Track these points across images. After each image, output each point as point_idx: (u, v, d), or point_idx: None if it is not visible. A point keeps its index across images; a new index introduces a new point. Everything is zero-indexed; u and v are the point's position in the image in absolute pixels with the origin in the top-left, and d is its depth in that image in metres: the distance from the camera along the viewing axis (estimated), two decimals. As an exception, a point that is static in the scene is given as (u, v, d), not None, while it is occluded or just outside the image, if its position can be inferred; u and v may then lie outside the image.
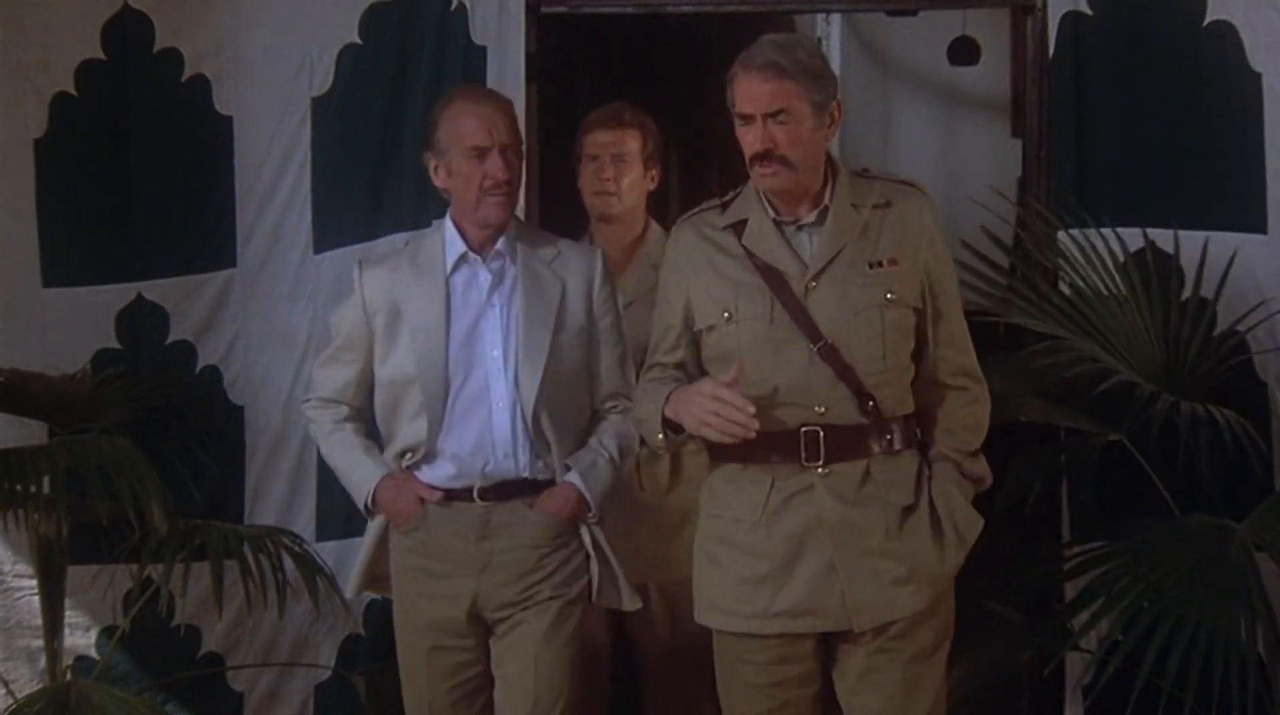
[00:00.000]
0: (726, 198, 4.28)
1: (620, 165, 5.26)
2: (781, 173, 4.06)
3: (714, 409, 3.98)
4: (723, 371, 4.08)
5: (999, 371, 4.64)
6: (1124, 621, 4.58)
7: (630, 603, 4.67)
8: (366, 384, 4.68)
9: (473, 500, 4.52)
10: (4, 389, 5.47)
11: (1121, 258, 5.18)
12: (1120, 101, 5.39)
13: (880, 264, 4.11)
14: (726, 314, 4.16)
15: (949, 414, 4.22)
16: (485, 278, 4.53)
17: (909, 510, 4.12)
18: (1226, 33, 5.33)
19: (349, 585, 4.80)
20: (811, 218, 4.15)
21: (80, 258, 5.83)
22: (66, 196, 5.82)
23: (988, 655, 5.09)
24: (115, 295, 5.84)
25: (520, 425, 4.50)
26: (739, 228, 4.18)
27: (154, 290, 5.83)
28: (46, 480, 4.88)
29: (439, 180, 4.54)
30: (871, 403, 4.08)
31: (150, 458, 5.00)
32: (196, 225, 5.80)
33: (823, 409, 4.07)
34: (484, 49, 5.59)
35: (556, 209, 5.84)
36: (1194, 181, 5.35)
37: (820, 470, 4.09)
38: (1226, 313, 5.17)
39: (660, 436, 4.19)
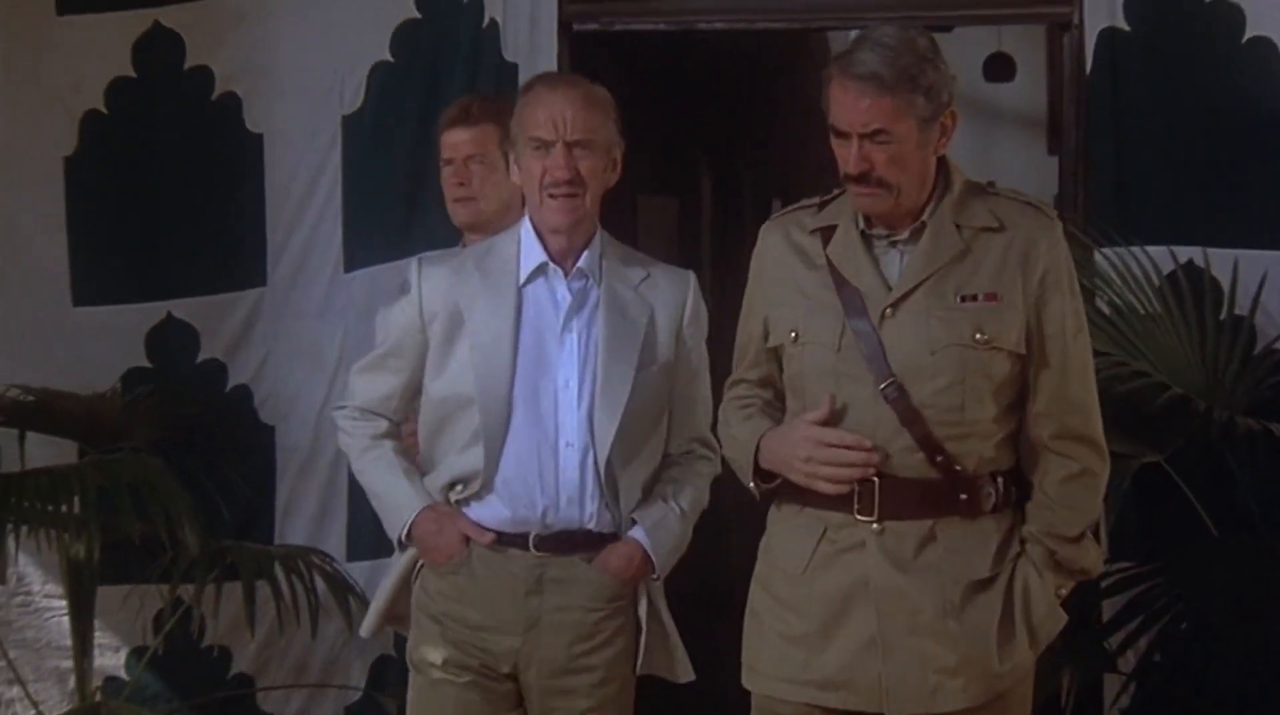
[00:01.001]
0: (827, 196, 3.76)
1: (477, 166, 4.70)
2: (880, 195, 3.52)
3: (824, 457, 3.52)
4: (795, 400, 3.68)
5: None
6: (1162, 642, 4.54)
7: (683, 674, 4.18)
8: (412, 397, 4.18)
9: (527, 548, 4.00)
10: (34, 408, 5.47)
11: (1158, 276, 5.13)
12: (1158, 118, 5.35)
13: (974, 298, 3.53)
14: (794, 334, 3.66)
15: (1047, 486, 3.58)
16: (564, 297, 4.01)
17: (979, 587, 3.54)
18: (1266, 49, 5.29)
19: (366, 623, 4.33)
20: (905, 234, 3.59)
21: (110, 276, 5.85)
22: (96, 215, 5.83)
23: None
24: (145, 314, 5.84)
25: (591, 471, 3.98)
26: (828, 234, 3.67)
27: (184, 309, 5.83)
28: (77, 500, 4.87)
29: (515, 177, 4.07)
30: (942, 457, 3.52)
31: (180, 477, 5.02)
32: (227, 243, 5.80)
33: (881, 456, 3.53)
34: (516, 66, 5.57)
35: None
36: (1233, 199, 5.30)
37: (874, 526, 3.54)
38: (1265, 330, 5.12)
39: (753, 486, 3.71)
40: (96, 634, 5.43)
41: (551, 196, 3.95)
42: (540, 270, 4.02)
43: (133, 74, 5.83)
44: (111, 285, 5.85)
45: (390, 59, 5.70)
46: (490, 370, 3.97)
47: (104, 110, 5.83)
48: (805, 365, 3.63)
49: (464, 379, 3.99)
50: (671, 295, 4.10)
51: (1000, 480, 3.57)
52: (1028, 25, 7.51)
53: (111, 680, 5.72)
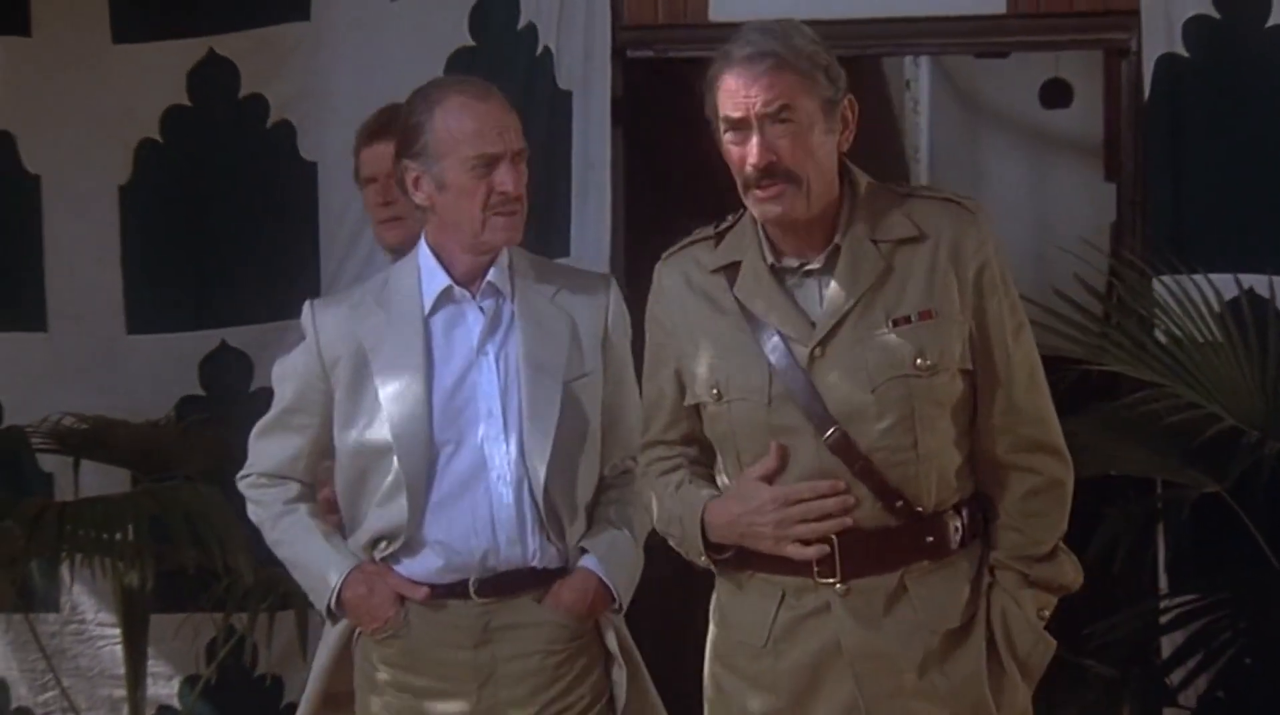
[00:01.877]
0: (722, 225, 3.40)
1: (379, 188, 4.35)
2: (788, 193, 3.15)
3: (797, 516, 3.18)
4: (727, 458, 3.32)
5: (1093, 423, 4.54)
6: (1224, 676, 4.48)
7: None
8: (321, 455, 3.81)
9: (468, 596, 3.66)
10: (88, 436, 5.48)
11: (1218, 305, 5.08)
12: (1217, 145, 5.30)
13: (907, 319, 3.17)
14: (715, 391, 3.27)
15: (1011, 504, 3.25)
16: (476, 320, 3.68)
17: (960, 632, 3.23)
18: (1326, 75, 5.23)
19: (300, 711, 3.95)
20: (819, 261, 3.22)
21: (164, 304, 5.85)
22: (151, 243, 5.84)
23: (1083, 713, 4.98)
24: (199, 342, 5.85)
25: (528, 502, 3.63)
26: (731, 273, 3.30)
27: (238, 337, 5.83)
28: (131, 528, 4.86)
29: (420, 196, 3.66)
30: (901, 502, 3.18)
31: (234, 505, 4.98)
32: (280, 271, 5.79)
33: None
34: (570, 94, 5.55)
35: (644, 259, 5.77)
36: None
37: (837, 587, 3.20)
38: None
39: (704, 559, 3.33)
40: (150, 662, 5.44)
41: (500, 214, 3.61)
42: (445, 296, 3.69)
43: (187, 102, 5.84)
44: (165, 313, 5.86)
45: (445, 87, 5.69)
46: (405, 413, 3.63)
47: (159, 139, 5.84)
48: (735, 424, 3.27)
49: (378, 426, 3.65)
50: (590, 301, 3.77)
51: (964, 511, 3.26)
52: (1085, 51, 7.46)
53: (165, 709, 5.73)
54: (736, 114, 3.16)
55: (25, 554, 5.15)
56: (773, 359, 3.20)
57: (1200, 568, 5.11)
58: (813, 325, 3.20)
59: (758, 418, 3.22)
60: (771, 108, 3.13)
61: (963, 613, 3.23)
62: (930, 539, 3.21)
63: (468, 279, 3.68)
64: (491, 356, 3.66)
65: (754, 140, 3.15)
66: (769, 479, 3.22)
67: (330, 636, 3.83)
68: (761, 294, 3.24)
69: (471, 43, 5.66)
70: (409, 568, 3.69)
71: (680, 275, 3.39)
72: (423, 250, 3.71)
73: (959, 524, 3.25)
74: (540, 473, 3.61)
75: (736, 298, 3.26)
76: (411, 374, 3.63)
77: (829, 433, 3.16)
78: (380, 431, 3.63)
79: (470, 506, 3.63)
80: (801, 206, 3.17)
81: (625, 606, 3.76)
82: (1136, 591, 5.21)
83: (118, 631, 5.43)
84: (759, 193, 3.18)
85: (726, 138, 3.22)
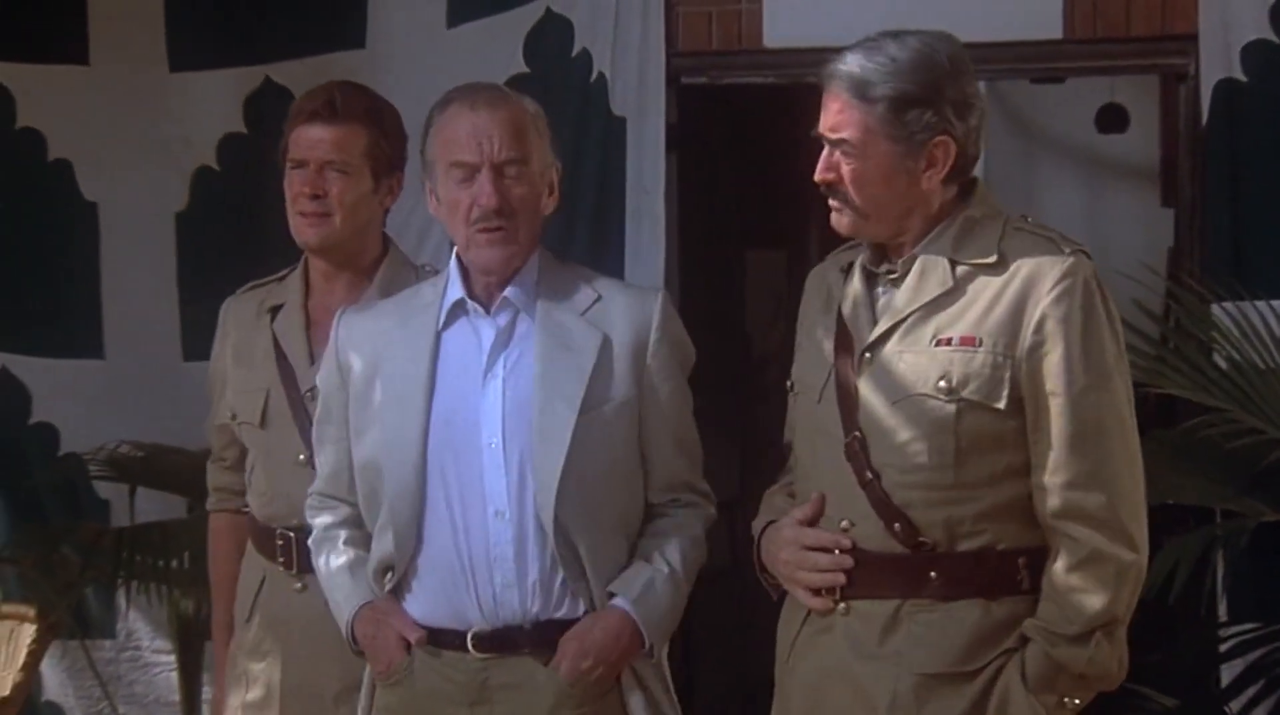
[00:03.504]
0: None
1: (336, 175, 3.83)
2: (846, 214, 3.11)
3: (799, 561, 3.13)
4: (797, 455, 3.28)
5: (1150, 448, 4.48)
6: (1284, 706, 4.45)
7: None
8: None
9: (465, 649, 3.30)
10: (144, 463, 5.50)
11: (1279, 330, 5.04)
12: (1277, 170, 5.25)
13: (949, 342, 3.04)
14: (792, 383, 3.26)
15: (1053, 573, 3.01)
16: (488, 337, 3.36)
17: (945, 683, 3.03)
18: (1388, 97, 5.19)
19: None
20: (898, 270, 3.14)
21: (220, 331, 5.85)
22: (207, 270, 5.85)
23: (1141, 742, 4.94)
24: (254, 368, 5.85)
25: (534, 542, 3.26)
26: (850, 272, 3.24)
27: (292, 365, 5.83)
28: (186, 555, 4.87)
29: (432, 206, 3.44)
30: (900, 525, 3.04)
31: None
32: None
33: (846, 524, 3.10)
34: (624, 120, 5.56)
35: (697, 284, 5.78)
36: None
37: (841, 606, 3.11)
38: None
39: (767, 584, 3.29)
40: (204, 689, 5.43)
41: (481, 232, 3.31)
42: (459, 309, 3.39)
43: (244, 130, 5.87)
44: (221, 340, 5.87)
45: (499, 114, 5.70)
46: (397, 432, 3.33)
47: (215, 166, 5.87)
48: (797, 418, 3.25)
49: (376, 445, 3.37)
50: (631, 318, 3.38)
51: (996, 560, 3.04)
52: (1141, 76, 7.43)
53: (219, 735, 5.73)
54: (819, 129, 3.14)
55: (82, 580, 5.17)
56: (836, 358, 3.14)
57: (1260, 596, 5.06)
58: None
59: (810, 412, 3.18)
60: (835, 136, 3.09)
61: (957, 661, 3.02)
62: (935, 575, 3.03)
63: (487, 293, 3.38)
64: (499, 379, 3.32)
65: (823, 155, 3.12)
66: (809, 523, 3.14)
67: (365, 673, 3.50)
68: (851, 294, 3.18)
69: (526, 69, 5.67)
70: (409, 605, 3.37)
71: (821, 275, 3.33)
72: (453, 260, 3.44)
73: (975, 570, 3.04)
74: (548, 509, 3.24)
75: (841, 296, 3.21)
76: (411, 390, 3.33)
77: (850, 439, 3.08)
78: (377, 452, 3.36)
79: (466, 546, 3.29)
80: (859, 228, 3.13)
81: (659, 653, 3.39)
82: (1195, 620, 5.16)
83: (173, 658, 5.44)
84: (830, 202, 3.14)
85: None
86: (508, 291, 3.35)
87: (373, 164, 3.85)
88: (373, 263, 3.90)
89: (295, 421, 3.78)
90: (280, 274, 4.05)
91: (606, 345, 3.34)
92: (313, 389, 3.69)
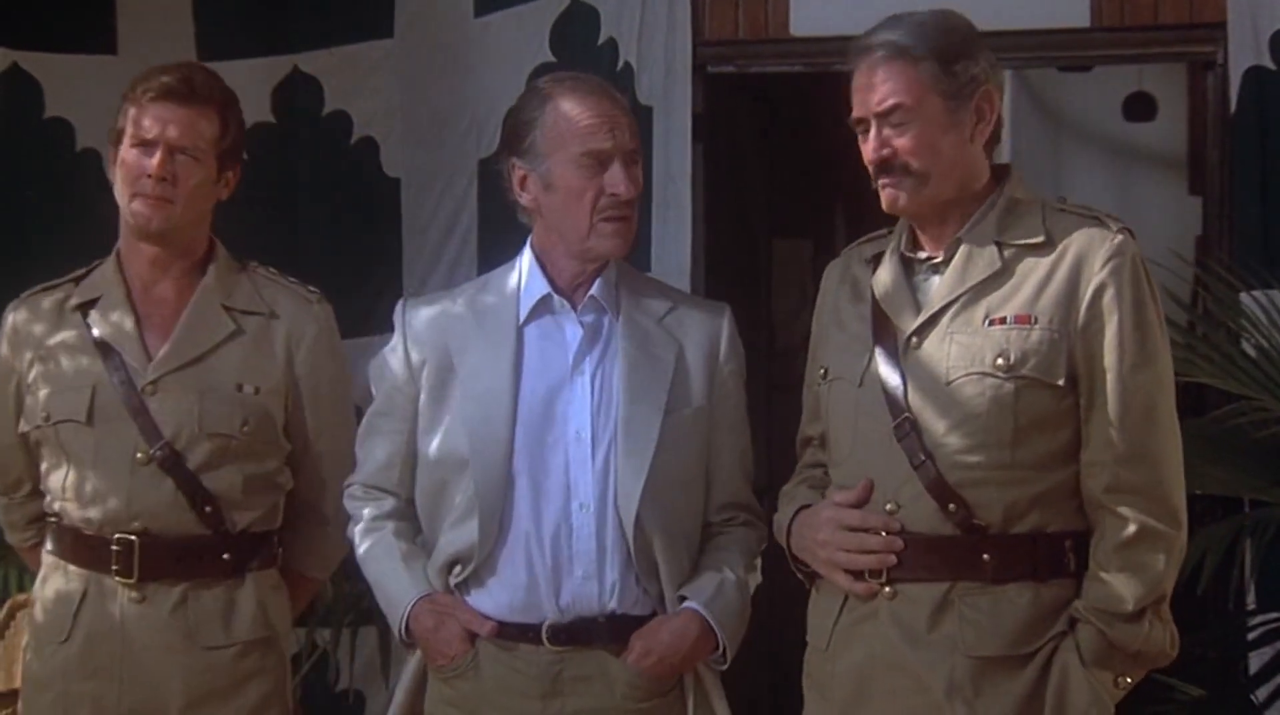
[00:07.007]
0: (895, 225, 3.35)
1: (185, 159, 3.65)
2: (904, 185, 3.09)
3: (840, 542, 3.10)
4: (828, 453, 3.27)
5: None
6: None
7: None
8: (414, 463, 3.49)
9: (540, 642, 3.33)
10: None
11: (1308, 319, 5.03)
12: (1307, 159, 5.25)
13: (1002, 321, 3.05)
14: (823, 371, 3.25)
15: (1101, 551, 3.02)
16: (574, 333, 3.39)
17: (1002, 667, 3.03)
18: None
19: None
20: (941, 255, 3.16)
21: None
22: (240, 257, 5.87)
23: (1169, 731, 4.94)
24: (284, 357, 5.86)
25: (613, 536, 3.30)
26: (878, 262, 3.26)
27: (320, 353, 5.85)
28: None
29: (525, 196, 3.43)
30: (955, 506, 3.03)
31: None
32: (363, 287, 5.81)
33: (893, 506, 3.08)
34: (650, 109, 5.56)
35: (724, 273, 5.78)
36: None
37: (885, 590, 3.09)
38: None
39: (798, 573, 3.30)
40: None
41: (610, 220, 3.35)
42: (544, 305, 3.42)
43: (272, 119, 5.89)
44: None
45: (526, 102, 5.72)
46: (486, 426, 3.34)
47: (243, 155, 5.88)
48: (831, 405, 3.22)
49: (458, 437, 3.37)
50: (703, 330, 3.46)
51: (1045, 542, 3.06)
52: (1169, 64, 7.42)
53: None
54: (857, 113, 3.15)
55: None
56: (877, 343, 3.15)
57: (1287, 585, 5.08)
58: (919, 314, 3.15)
59: (848, 397, 3.17)
60: (884, 107, 3.10)
61: (1011, 644, 3.03)
62: (988, 557, 3.03)
63: (570, 289, 3.42)
64: (587, 375, 3.36)
65: (871, 135, 3.13)
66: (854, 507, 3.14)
67: (410, 664, 3.51)
68: (888, 282, 3.19)
69: (553, 58, 5.68)
70: (479, 600, 3.38)
71: (842, 266, 3.37)
72: (527, 254, 3.47)
73: (1030, 553, 3.06)
74: (631, 504, 3.29)
75: (872, 286, 3.22)
76: (497, 385, 3.35)
77: (899, 420, 3.08)
78: (459, 444, 3.36)
79: (551, 536, 3.32)
80: (920, 200, 3.12)
81: (730, 659, 3.40)
82: (1223, 609, 5.16)
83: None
84: (880, 186, 3.14)
85: (859, 139, 3.18)
86: (594, 290, 3.40)
87: (219, 153, 3.74)
88: (203, 256, 3.83)
89: (134, 418, 3.60)
90: (74, 275, 3.81)
91: (682, 354, 3.41)
92: (155, 382, 3.61)
